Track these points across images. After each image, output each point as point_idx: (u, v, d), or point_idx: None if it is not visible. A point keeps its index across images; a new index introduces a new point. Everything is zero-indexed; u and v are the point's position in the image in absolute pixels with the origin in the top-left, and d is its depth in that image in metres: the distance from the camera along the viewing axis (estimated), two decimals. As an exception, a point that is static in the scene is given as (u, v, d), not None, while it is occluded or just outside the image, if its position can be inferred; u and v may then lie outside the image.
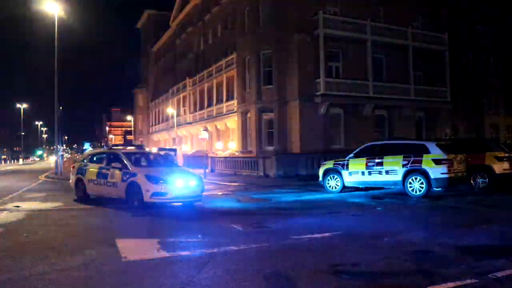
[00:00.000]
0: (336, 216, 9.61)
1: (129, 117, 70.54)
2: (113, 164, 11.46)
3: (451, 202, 11.51)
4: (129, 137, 76.27)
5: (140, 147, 14.80)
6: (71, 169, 14.02)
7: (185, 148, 41.60)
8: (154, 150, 29.94)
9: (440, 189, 12.58)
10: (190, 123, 41.23)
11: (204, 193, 11.73)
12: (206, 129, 35.15)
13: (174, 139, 44.90)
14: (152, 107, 58.29)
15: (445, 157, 12.33)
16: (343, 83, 25.87)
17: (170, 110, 44.56)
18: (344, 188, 14.14)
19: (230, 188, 17.07)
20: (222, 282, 4.72)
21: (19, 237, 7.17)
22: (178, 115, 43.80)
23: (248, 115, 28.29)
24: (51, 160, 61.10)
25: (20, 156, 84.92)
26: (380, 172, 13.16)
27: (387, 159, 13.10)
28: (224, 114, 33.51)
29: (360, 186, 14.17)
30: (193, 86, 41.16)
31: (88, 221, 9.05)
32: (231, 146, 32.10)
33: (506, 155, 14.18)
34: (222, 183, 19.03)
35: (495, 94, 36.10)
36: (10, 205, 11.34)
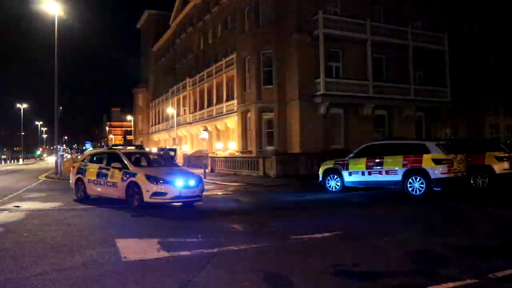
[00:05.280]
0: (336, 216, 9.62)
1: (129, 117, 70.57)
2: (113, 164, 11.46)
3: (451, 202, 11.51)
4: (129, 137, 76.32)
5: (139, 147, 14.78)
6: (71, 169, 14.02)
7: (185, 148, 41.61)
8: (154, 150, 29.99)
9: (440, 189, 12.57)
10: (190, 123, 41.23)
11: (204, 193, 11.74)
12: (206, 129, 35.19)
13: (174, 139, 44.89)
14: (152, 107, 58.30)
15: (445, 157, 12.33)
16: (343, 83, 25.86)
17: (170, 110, 44.58)
18: (344, 188, 14.14)
19: (230, 188, 17.06)
20: (222, 282, 4.72)
21: (19, 237, 7.16)
22: (178, 115, 43.81)
23: (248, 115, 28.29)
24: (51, 160, 61.08)
25: (20, 156, 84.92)
26: (380, 172, 13.16)
27: (387, 159, 13.10)
28: (224, 114, 33.51)
29: (360, 186, 14.16)
30: (193, 86, 41.17)
31: (88, 221, 9.04)
32: (231, 146, 32.09)
33: (506, 155, 14.18)
34: (222, 183, 19.02)
35: (495, 94, 36.09)
36: (10, 205, 11.33)
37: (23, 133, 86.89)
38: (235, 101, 30.76)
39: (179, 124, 43.02)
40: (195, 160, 32.88)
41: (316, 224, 8.44)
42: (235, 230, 7.87)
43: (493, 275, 4.74)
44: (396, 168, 12.81)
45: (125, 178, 10.86)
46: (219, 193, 14.94)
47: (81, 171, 12.69)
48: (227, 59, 33.09)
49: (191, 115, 41.44)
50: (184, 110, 43.90)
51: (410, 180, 12.56)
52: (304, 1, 25.62)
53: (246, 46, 28.31)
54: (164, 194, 10.32)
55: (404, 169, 12.65)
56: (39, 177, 24.74)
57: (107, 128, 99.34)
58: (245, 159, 25.00)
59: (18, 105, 77.76)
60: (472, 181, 14.16)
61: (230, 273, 5.00)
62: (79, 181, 12.66)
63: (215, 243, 6.50)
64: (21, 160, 78.28)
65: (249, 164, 24.08)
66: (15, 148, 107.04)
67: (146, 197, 10.28)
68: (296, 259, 5.61)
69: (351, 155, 14.28)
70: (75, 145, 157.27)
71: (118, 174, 11.12)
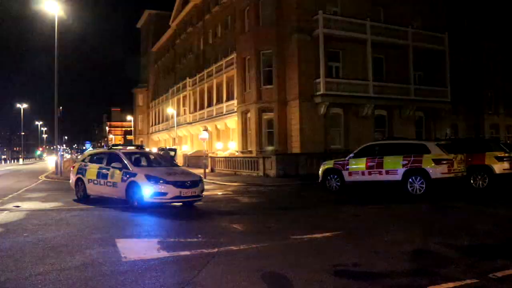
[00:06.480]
0: (336, 216, 9.61)
1: (129, 117, 70.55)
2: (113, 164, 11.46)
3: (451, 202, 11.50)
4: (129, 137, 76.31)
5: (140, 147, 14.77)
6: (71, 169, 14.03)
7: (185, 148, 41.61)
8: (154, 150, 30.00)
9: (440, 189, 12.57)
10: (190, 123, 41.24)
11: (204, 193, 11.74)
12: (206, 129, 35.18)
13: (174, 139, 44.90)
14: (152, 107, 58.30)
15: (445, 157, 12.33)
16: (343, 83, 25.87)
17: (170, 110, 44.58)
18: (344, 188, 14.13)
19: (230, 188, 17.06)
20: (222, 282, 4.71)
21: (19, 237, 7.16)
22: (178, 115, 43.81)
23: (248, 115, 28.29)
24: (51, 160, 61.03)
25: (20, 156, 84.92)
26: (380, 172, 13.15)
27: (387, 159, 13.09)
28: (224, 114, 33.52)
29: (360, 186, 14.15)
30: (193, 86, 41.17)
31: (88, 221, 9.04)
32: (231, 146, 32.10)
33: (506, 155, 14.18)
34: (222, 183, 19.02)
35: (495, 94, 36.12)
36: (10, 205, 11.33)
37: (23, 133, 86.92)
38: (235, 101, 30.77)
39: (179, 124, 43.02)
40: (195, 160, 32.90)
41: (316, 224, 8.44)
42: (235, 230, 7.87)
43: (493, 275, 4.74)
44: (396, 168, 12.81)
45: (125, 178, 10.86)
46: (219, 193, 14.94)
47: (81, 171, 12.69)
48: (227, 59, 33.09)
49: (191, 115, 41.45)
50: (184, 110, 43.91)
51: (410, 180, 12.56)
52: (304, 1, 25.64)
53: (246, 46, 28.31)
54: (164, 194, 10.32)
55: (404, 169, 12.65)
56: (39, 177, 24.74)
57: (107, 128, 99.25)
58: (245, 159, 25.00)
59: (18, 105, 77.80)
60: (472, 181, 14.16)
61: (230, 273, 5.00)
62: (79, 181, 12.66)
63: (215, 243, 6.50)
64: (21, 160, 78.24)
65: (249, 164, 24.08)
66: (15, 148, 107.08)
67: (146, 197, 10.28)
68: (296, 259, 5.61)
69: (351, 155, 14.28)
70: (75, 145, 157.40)
71: (118, 174, 11.12)
